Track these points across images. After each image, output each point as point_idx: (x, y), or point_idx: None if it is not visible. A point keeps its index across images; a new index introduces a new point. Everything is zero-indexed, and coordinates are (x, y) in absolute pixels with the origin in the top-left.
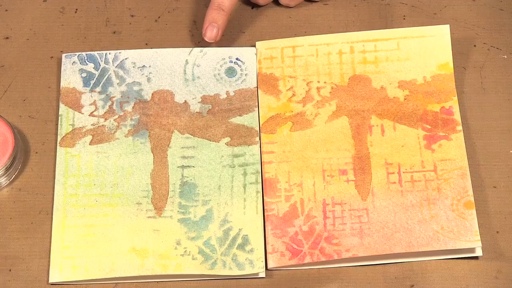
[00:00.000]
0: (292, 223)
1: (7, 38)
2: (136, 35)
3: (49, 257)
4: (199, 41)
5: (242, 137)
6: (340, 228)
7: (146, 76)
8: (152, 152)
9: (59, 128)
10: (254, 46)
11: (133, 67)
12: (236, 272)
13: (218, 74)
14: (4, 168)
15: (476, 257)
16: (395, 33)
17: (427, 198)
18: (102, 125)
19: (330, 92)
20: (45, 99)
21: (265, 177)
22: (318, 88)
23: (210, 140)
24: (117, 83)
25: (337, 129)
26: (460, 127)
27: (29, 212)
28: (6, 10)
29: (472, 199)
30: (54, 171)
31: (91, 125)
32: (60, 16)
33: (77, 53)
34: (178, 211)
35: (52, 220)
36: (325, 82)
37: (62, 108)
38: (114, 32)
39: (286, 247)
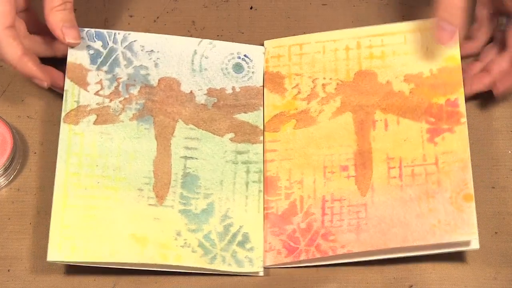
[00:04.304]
0: (291, 221)
1: None
2: None
3: (48, 257)
4: (198, 42)
5: (246, 135)
6: (337, 225)
7: (154, 61)
8: (156, 139)
9: (63, 104)
10: (262, 45)
11: (142, 50)
12: (235, 268)
13: (226, 68)
14: (2, 169)
15: (474, 258)
16: (402, 26)
17: (426, 192)
18: (107, 105)
19: (335, 88)
20: (44, 100)
21: (267, 176)
22: (323, 85)
23: (214, 134)
24: (124, 65)
25: (341, 125)
26: (464, 119)
27: (27, 213)
28: None
29: (472, 191)
30: (53, 171)
31: (96, 104)
32: None
33: (86, 29)
34: (179, 201)
35: (51, 218)
36: (330, 79)
37: (68, 83)
38: None
39: (283, 245)
